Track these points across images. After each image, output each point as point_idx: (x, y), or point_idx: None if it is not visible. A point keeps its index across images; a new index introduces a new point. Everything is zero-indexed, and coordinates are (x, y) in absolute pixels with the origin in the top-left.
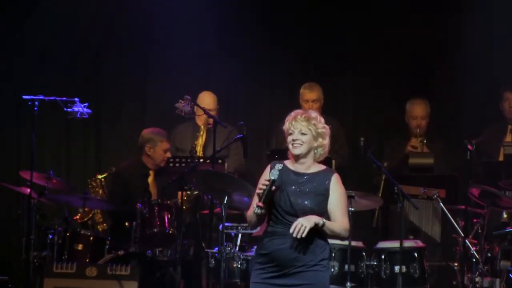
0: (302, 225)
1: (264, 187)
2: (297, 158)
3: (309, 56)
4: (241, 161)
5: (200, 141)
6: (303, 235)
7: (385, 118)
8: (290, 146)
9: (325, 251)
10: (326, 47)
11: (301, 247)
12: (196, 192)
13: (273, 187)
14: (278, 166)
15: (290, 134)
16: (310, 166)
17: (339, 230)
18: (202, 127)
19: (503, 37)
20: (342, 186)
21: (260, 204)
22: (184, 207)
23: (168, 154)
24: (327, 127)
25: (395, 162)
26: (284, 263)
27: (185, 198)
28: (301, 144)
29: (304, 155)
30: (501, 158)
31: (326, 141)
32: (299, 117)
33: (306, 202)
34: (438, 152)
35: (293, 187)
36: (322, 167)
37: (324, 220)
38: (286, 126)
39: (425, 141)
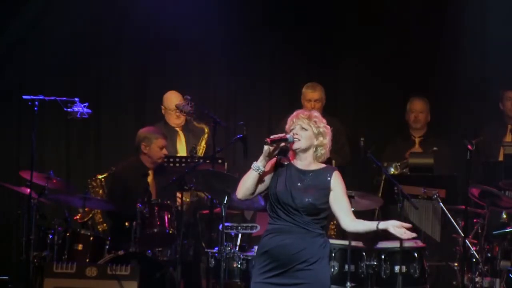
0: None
1: (278, 135)
2: (296, 153)
3: (309, 56)
4: None
5: (181, 143)
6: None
7: (385, 118)
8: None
9: (325, 248)
10: (326, 47)
11: (301, 244)
12: (196, 197)
13: (283, 143)
14: (290, 136)
15: (292, 130)
16: (310, 164)
17: None
18: (178, 129)
19: (503, 37)
20: (343, 182)
21: (268, 140)
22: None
23: (165, 151)
24: (328, 127)
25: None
26: (285, 259)
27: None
28: (299, 139)
29: (303, 151)
30: (501, 158)
31: (327, 141)
32: (301, 115)
33: (307, 199)
34: (438, 153)
35: (296, 184)
36: (322, 165)
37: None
38: (288, 124)
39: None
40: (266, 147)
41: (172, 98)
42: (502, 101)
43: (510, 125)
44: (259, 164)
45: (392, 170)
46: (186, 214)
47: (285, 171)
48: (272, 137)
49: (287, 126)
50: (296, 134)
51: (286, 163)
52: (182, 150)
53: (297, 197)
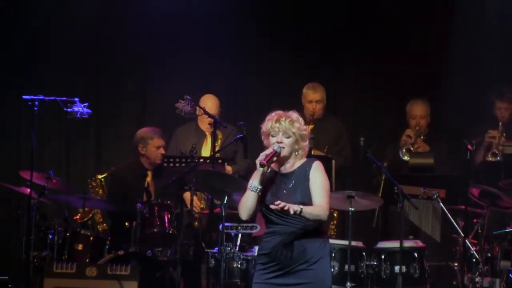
0: (286, 205)
1: (268, 152)
2: (281, 159)
3: (309, 55)
4: (247, 161)
5: (207, 146)
6: (281, 208)
7: (385, 118)
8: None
9: (325, 247)
10: (326, 46)
11: (301, 245)
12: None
13: (275, 158)
14: (278, 147)
15: (273, 136)
16: (294, 164)
17: (318, 211)
18: (208, 133)
19: (502, 37)
20: (322, 172)
21: (264, 161)
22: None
23: (162, 151)
24: (307, 129)
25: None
26: (286, 261)
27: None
28: (284, 147)
29: (286, 157)
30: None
31: (306, 143)
32: (282, 119)
33: (296, 199)
34: (440, 153)
35: (282, 190)
36: (303, 160)
37: (301, 207)
38: (267, 126)
39: (422, 137)
40: (261, 169)
41: (207, 102)
42: (494, 108)
43: (502, 125)
44: (255, 183)
45: (405, 158)
46: (200, 224)
47: (270, 181)
48: (265, 157)
49: (265, 128)
50: (281, 142)
51: (269, 172)
52: (206, 153)
53: (286, 201)
